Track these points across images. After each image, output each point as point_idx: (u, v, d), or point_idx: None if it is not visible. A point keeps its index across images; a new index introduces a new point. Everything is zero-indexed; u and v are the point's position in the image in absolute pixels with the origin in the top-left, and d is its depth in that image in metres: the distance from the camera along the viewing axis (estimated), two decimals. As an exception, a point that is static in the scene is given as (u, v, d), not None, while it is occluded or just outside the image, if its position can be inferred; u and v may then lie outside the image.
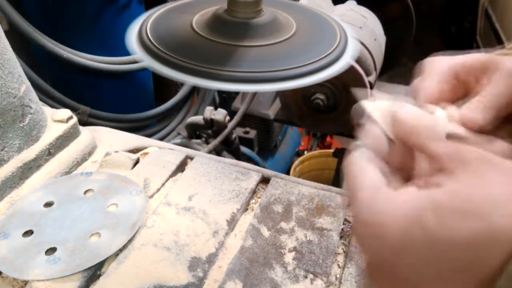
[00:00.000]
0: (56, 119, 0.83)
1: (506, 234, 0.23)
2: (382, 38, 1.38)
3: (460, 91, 0.36)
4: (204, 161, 0.81)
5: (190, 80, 0.34)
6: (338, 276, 0.62)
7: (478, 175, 0.25)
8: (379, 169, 0.31)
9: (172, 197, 0.73)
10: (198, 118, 1.47)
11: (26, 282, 0.59)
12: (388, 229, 0.26)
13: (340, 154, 1.13)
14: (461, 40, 2.25)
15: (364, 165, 0.31)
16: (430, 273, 0.25)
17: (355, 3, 1.42)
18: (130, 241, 0.64)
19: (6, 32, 0.74)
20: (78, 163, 0.82)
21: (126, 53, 1.42)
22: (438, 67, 0.37)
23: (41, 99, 0.99)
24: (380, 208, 0.27)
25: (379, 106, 0.33)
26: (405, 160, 0.31)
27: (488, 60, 0.35)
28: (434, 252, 0.25)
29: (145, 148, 0.88)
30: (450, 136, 0.29)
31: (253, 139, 1.73)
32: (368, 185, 0.29)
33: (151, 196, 0.74)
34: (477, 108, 0.33)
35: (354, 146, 0.33)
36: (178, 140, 1.53)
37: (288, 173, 2.01)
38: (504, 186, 0.24)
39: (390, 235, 0.26)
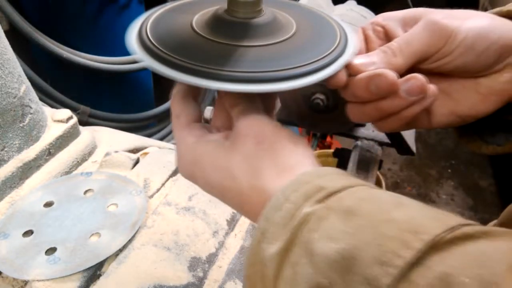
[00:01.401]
0: (56, 119, 0.83)
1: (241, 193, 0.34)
2: (382, 38, 1.38)
3: (388, 41, 0.40)
4: (204, 161, 0.81)
5: (190, 80, 0.34)
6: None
7: (244, 151, 0.34)
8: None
9: (172, 197, 0.73)
10: (198, 118, 1.47)
11: (26, 282, 0.59)
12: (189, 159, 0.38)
13: (340, 154, 1.13)
14: (461, 40, 2.25)
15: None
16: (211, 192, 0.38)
17: (355, 3, 1.41)
18: (130, 241, 0.64)
19: (6, 32, 0.74)
20: (78, 163, 0.82)
21: (126, 53, 1.41)
22: (373, 19, 0.43)
23: (41, 99, 0.99)
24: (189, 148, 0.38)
25: None
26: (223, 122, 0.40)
27: (418, 12, 0.40)
28: (206, 182, 0.37)
29: (145, 148, 0.88)
30: None
31: (253, 139, 1.72)
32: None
33: (151, 196, 0.74)
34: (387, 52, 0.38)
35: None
36: (178, 140, 1.53)
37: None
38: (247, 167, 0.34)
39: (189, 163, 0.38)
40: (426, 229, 0.25)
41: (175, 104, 0.40)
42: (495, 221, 0.51)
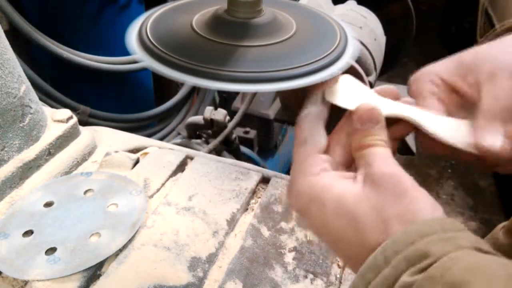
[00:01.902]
0: (56, 119, 0.83)
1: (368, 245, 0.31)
2: (382, 38, 1.38)
3: (448, 92, 0.39)
4: (204, 161, 0.81)
5: (190, 80, 0.34)
6: (338, 276, 0.62)
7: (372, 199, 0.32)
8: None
9: (172, 197, 0.73)
10: (198, 118, 1.47)
11: (26, 282, 0.59)
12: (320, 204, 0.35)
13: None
14: (461, 40, 2.25)
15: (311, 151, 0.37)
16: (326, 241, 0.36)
17: (355, 3, 1.41)
18: (130, 241, 0.64)
19: (6, 32, 0.74)
20: (78, 163, 0.82)
21: (126, 53, 1.41)
22: (422, 75, 0.40)
23: (41, 99, 0.99)
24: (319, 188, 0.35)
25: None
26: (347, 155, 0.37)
27: (464, 59, 0.38)
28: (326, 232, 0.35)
29: (145, 148, 0.88)
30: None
31: (253, 139, 1.73)
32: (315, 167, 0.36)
33: (151, 196, 0.74)
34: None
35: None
36: (178, 140, 1.53)
37: (288, 173, 2.00)
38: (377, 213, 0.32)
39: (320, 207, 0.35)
40: None
41: (303, 127, 0.37)
42: (504, 223, 0.51)
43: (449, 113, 0.39)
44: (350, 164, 0.37)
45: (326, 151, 0.37)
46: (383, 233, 0.31)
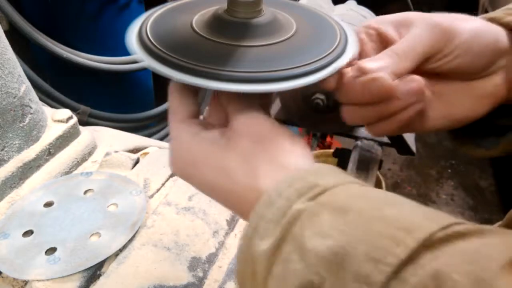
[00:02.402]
0: (56, 119, 0.83)
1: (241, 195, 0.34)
2: (382, 38, 1.38)
3: (382, 44, 0.41)
4: (204, 161, 0.81)
5: (190, 80, 0.34)
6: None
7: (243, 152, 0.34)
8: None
9: (172, 197, 0.73)
10: (198, 118, 1.47)
11: (26, 282, 0.59)
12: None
13: (340, 154, 1.13)
14: (461, 40, 2.25)
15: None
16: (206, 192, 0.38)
17: (355, 3, 1.41)
18: (130, 241, 0.64)
19: (6, 32, 0.74)
20: (78, 163, 0.82)
21: (126, 53, 1.41)
22: (366, 23, 0.43)
23: (41, 99, 0.99)
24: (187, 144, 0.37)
25: None
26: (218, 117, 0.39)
27: (410, 16, 0.41)
28: (202, 183, 0.37)
29: (145, 148, 0.88)
30: None
31: (253, 139, 1.72)
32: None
33: (151, 196, 0.74)
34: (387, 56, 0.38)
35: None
36: (178, 140, 1.53)
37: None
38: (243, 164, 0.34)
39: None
40: (419, 227, 0.26)
41: (172, 99, 0.39)
42: (499, 223, 0.51)
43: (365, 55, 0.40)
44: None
45: (207, 117, 0.40)
46: (253, 176, 0.33)
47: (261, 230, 0.30)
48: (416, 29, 0.39)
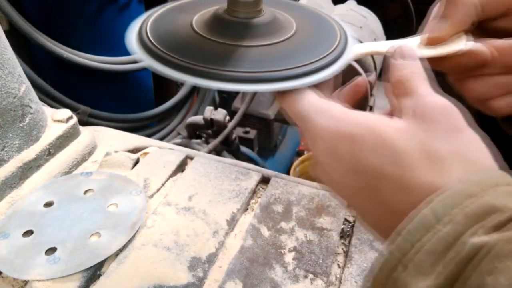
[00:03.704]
0: (56, 119, 0.83)
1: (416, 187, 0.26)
2: (382, 38, 1.38)
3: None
4: (204, 161, 0.81)
5: (190, 80, 0.34)
6: (338, 276, 0.62)
7: (419, 131, 0.27)
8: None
9: (172, 197, 0.73)
10: (198, 118, 1.47)
11: (26, 282, 0.59)
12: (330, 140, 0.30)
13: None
14: (461, 40, 2.24)
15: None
16: (348, 184, 0.29)
17: (355, 3, 1.42)
18: (130, 241, 0.64)
19: (6, 32, 0.74)
20: (78, 163, 0.82)
21: (126, 53, 1.41)
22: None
23: (41, 99, 0.99)
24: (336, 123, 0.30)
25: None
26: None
27: None
28: (354, 172, 0.28)
29: (145, 148, 0.88)
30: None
31: (253, 139, 1.73)
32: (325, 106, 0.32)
33: (151, 196, 0.74)
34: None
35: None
36: (178, 140, 1.53)
37: (288, 173, 2.01)
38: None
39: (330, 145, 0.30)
40: None
41: (296, 100, 0.33)
42: None
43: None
44: None
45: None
46: (437, 173, 0.25)
47: (415, 261, 0.23)
48: None
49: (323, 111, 0.31)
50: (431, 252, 0.23)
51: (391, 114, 0.32)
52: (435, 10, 0.41)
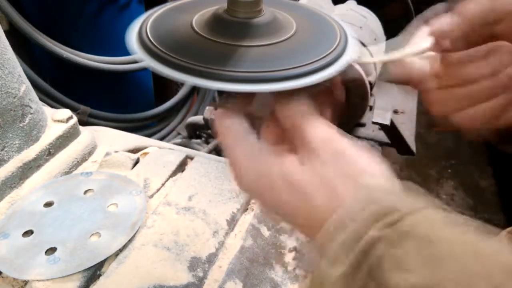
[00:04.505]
0: (56, 119, 0.83)
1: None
2: (382, 38, 1.38)
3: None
4: (204, 161, 0.81)
5: (190, 80, 0.34)
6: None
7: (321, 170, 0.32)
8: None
9: (172, 197, 0.73)
10: (198, 118, 1.47)
11: (26, 282, 0.59)
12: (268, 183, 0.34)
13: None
14: (461, 40, 2.25)
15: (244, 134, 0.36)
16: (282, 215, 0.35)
17: (355, 3, 1.41)
18: (130, 241, 0.64)
19: (6, 32, 0.74)
20: (78, 163, 0.82)
21: (126, 53, 1.41)
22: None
23: (41, 99, 0.99)
24: (262, 168, 0.35)
25: None
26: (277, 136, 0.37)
27: None
28: (281, 208, 0.34)
29: (145, 148, 0.88)
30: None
31: (253, 139, 1.72)
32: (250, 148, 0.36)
33: (151, 196, 0.74)
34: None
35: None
36: (178, 140, 1.53)
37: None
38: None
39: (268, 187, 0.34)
40: None
41: (223, 118, 0.36)
42: (509, 229, 0.50)
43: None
44: (280, 141, 0.37)
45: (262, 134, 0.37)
46: (332, 197, 0.31)
47: (331, 253, 0.28)
48: None
49: (244, 158, 0.35)
50: (343, 245, 0.28)
51: None
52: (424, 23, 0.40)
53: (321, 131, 0.33)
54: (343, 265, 0.27)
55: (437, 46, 0.38)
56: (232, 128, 0.36)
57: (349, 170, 0.32)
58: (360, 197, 0.29)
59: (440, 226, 0.26)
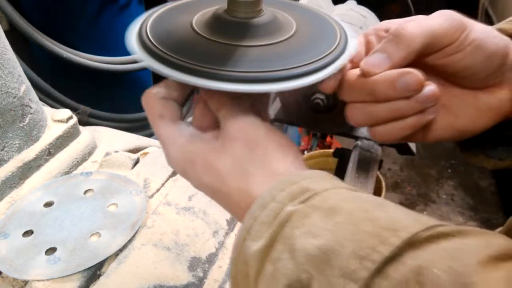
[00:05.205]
0: (56, 119, 0.83)
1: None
2: (382, 38, 1.38)
3: None
4: (204, 161, 0.81)
5: (190, 80, 0.34)
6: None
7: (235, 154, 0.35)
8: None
9: (172, 197, 0.73)
10: (198, 118, 1.47)
11: (26, 282, 0.59)
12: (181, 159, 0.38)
13: (340, 154, 1.13)
14: (461, 40, 2.24)
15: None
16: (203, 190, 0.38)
17: (355, 3, 1.41)
18: (130, 241, 0.64)
19: (6, 32, 0.74)
20: (78, 163, 0.82)
21: (126, 53, 1.41)
22: (377, 25, 0.42)
23: (41, 99, 0.99)
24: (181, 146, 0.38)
25: None
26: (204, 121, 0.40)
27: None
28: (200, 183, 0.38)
29: (145, 148, 0.88)
30: None
31: (253, 139, 1.72)
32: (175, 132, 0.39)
33: (151, 196, 0.74)
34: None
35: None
36: (178, 140, 1.53)
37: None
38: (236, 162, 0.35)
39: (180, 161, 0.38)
40: (404, 227, 0.27)
41: (155, 103, 0.39)
42: (500, 229, 0.51)
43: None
44: (214, 126, 0.39)
45: (194, 122, 0.40)
46: (245, 183, 0.34)
47: (254, 231, 0.31)
48: (434, 14, 0.38)
49: (173, 141, 0.38)
50: (263, 222, 0.31)
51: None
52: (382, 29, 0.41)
53: (241, 120, 0.36)
54: (263, 239, 0.30)
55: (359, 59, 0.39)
56: (166, 111, 0.39)
57: (265, 158, 0.35)
58: (281, 180, 0.32)
59: (344, 200, 0.30)
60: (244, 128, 0.36)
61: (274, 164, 0.35)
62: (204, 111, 0.40)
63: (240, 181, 0.35)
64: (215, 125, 0.39)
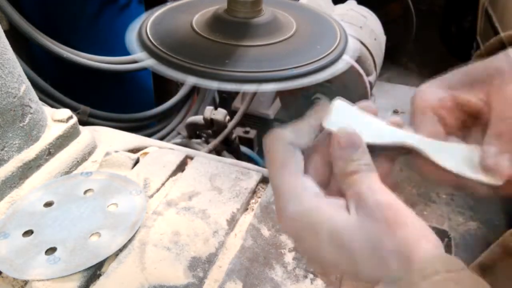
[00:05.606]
0: (56, 119, 0.83)
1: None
2: (382, 38, 1.38)
3: (452, 107, 0.38)
4: (204, 161, 0.81)
5: (190, 80, 0.34)
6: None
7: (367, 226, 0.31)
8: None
9: (172, 197, 0.73)
10: (198, 118, 1.47)
11: (26, 282, 0.59)
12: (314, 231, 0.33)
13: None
14: (461, 40, 2.25)
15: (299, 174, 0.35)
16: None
17: (355, 3, 1.41)
18: (130, 241, 0.64)
19: (6, 32, 0.74)
20: (78, 163, 0.82)
21: (126, 53, 1.41)
22: (440, 96, 0.38)
23: (41, 99, 0.98)
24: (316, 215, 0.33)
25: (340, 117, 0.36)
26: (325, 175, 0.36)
27: (472, 71, 0.37)
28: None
29: (145, 148, 0.88)
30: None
31: (253, 139, 1.73)
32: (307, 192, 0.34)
33: (151, 196, 0.74)
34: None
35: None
36: (178, 140, 1.53)
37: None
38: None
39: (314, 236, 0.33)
40: None
41: (281, 149, 0.35)
42: (497, 242, 0.50)
43: (448, 133, 0.38)
44: (326, 184, 0.36)
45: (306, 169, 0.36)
46: (380, 270, 0.30)
47: None
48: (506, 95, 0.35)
49: (294, 197, 0.33)
50: None
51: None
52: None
53: (377, 193, 0.32)
54: None
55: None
56: (289, 161, 0.34)
57: (405, 245, 0.30)
58: (402, 278, 0.29)
59: None
60: (386, 207, 0.31)
61: (415, 254, 0.30)
62: (325, 168, 0.36)
63: (376, 268, 0.30)
64: (327, 182, 0.36)
